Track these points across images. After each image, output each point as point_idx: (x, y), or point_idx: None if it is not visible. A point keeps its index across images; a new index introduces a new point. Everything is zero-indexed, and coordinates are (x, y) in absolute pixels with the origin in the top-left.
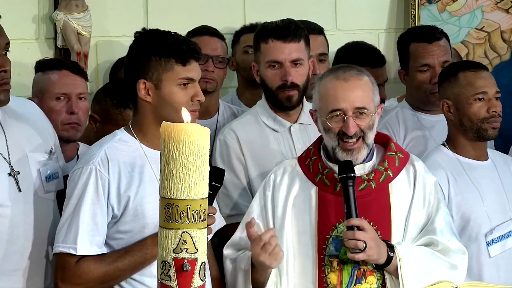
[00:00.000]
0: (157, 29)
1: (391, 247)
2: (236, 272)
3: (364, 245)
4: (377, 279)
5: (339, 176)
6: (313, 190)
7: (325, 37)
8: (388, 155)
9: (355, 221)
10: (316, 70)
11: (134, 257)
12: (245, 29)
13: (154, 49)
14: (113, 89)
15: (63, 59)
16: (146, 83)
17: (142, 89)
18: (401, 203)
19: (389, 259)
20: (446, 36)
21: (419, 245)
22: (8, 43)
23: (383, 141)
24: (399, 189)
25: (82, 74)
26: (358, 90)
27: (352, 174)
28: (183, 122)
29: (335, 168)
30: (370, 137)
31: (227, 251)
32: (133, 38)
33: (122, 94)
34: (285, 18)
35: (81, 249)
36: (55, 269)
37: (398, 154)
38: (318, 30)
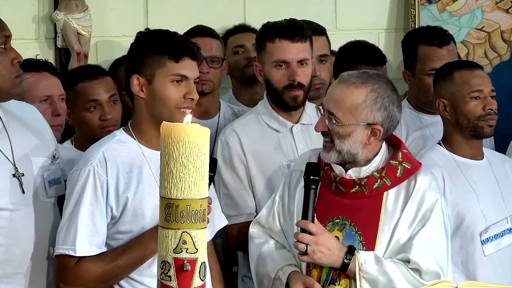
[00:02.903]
0: (160, 29)
1: (352, 253)
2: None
3: (305, 248)
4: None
5: (304, 176)
6: None
7: (327, 37)
8: (390, 164)
9: (301, 223)
10: (316, 71)
11: (133, 254)
12: (230, 32)
13: (150, 46)
14: (65, 77)
15: (36, 60)
16: (139, 78)
17: (136, 85)
18: (393, 214)
19: (346, 265)
20: (453, 38)
21: (393, 259)
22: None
23: (396, 147)
24: (394, 199)
25: (59, 75)
26: (340, 96)
27: (317, 178)
28: (176, 120)
29: (334, 167)
30: (339, 145)
31: (253, 228)
32: (134, 38)
33: (71, 76)
34: (287, 18)
35: (80, 250)
36: (56, 271)
37: (404, 164)
38: (320, 30)
